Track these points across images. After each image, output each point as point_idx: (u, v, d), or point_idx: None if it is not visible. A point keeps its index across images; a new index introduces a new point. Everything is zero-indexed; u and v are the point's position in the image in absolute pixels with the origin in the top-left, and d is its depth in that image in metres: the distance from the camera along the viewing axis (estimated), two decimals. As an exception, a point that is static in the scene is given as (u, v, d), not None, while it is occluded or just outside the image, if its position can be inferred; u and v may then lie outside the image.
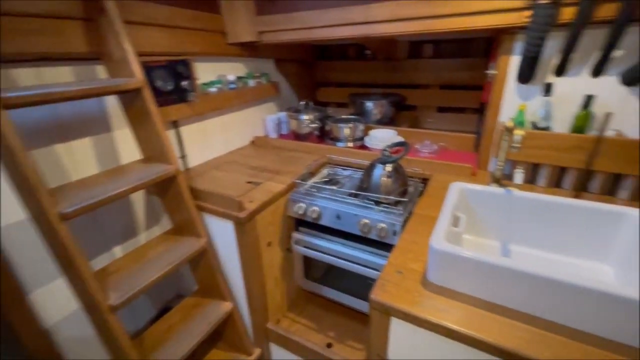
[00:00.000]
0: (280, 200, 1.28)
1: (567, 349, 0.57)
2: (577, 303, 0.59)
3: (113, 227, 1.24)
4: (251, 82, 1.73)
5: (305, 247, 1.29)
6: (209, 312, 1.25)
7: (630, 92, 1.03)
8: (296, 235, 1.31)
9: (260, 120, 1.90)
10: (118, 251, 1.26)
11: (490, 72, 1.24)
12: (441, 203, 1.05)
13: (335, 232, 1.23)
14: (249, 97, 1.71)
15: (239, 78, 1.66)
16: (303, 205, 1.22)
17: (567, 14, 0.96)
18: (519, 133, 0.81)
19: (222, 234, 1.20)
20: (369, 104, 1.86)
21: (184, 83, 1.31)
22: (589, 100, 1.04)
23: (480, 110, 1.67)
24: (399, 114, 2.02)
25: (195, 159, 1.52)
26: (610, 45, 0.95)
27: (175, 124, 1.38)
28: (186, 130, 1.44)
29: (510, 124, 0.93)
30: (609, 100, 1.05)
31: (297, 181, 1.27)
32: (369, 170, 1.18)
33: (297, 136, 1.78)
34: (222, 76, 1.58)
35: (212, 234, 1.24)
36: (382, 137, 1.56)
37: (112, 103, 1.15)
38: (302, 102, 1.78)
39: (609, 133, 1.06)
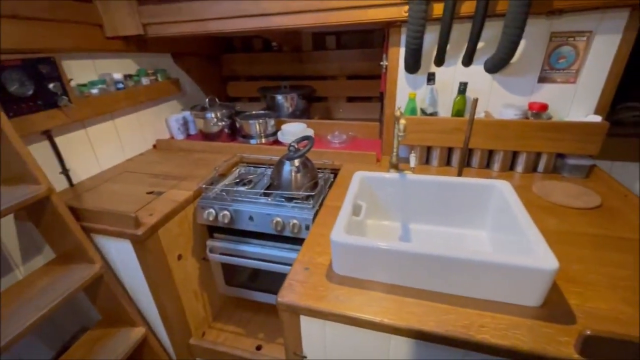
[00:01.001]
0: (188, 209, 1.19)
1: (451, 315, 0.64)
2: (453, 272, 0.66)
3: (-27, 267, 1.01)
4: (144, 80, 1.56)
5: (221, 254, 1.23)
6: (118, 343, 1.12)
7: (492, 78, 1.19)
8: (210, 243, 1.24)
9: (162, 121, 1.73)
10: (-15, 295, 1.04)
11: (384, 63, 1.32)
12: (348, 193, 1.10)
13: (251, 233, 1.19)
14: (144, 97, 1.54)
15: (129, 76, 1.48)
16: (212, 211, 1.16)
17: (438, 9, 1.06)
18: (402, 122, 0.88)
19: (120, 255, 1.07)
20: (280, 98, 1.83)
21: (51, 85, 1.11)
22: (463, 86, 1.18)
23: (381, 99, 1.78)
24: (311, 106, 2.05)
25: (82, 172, 1.32)
26: (475, 38, 1.08)
27: (47, 135, 1.17)
28: (65, 141, 1.23)
29: (397, 113, 0.99)
30: (479, 85, 1.20)
31: (203, 186, 1.19)
32: (277, 167, 1.16)
33: (206, 136, 1.67)
34: (106, 75, 1.38)
35: (109, 257, 1.10)
36: (294, 131, 1.56)
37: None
38: (208, 99, 1.67)
39: (481, 115, 1.21)
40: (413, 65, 1.18)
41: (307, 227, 1.07)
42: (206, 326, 1.40)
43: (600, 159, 1.26)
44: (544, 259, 0.62)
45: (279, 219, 1.08)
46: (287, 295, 0.71)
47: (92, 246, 1.03)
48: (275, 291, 1.30)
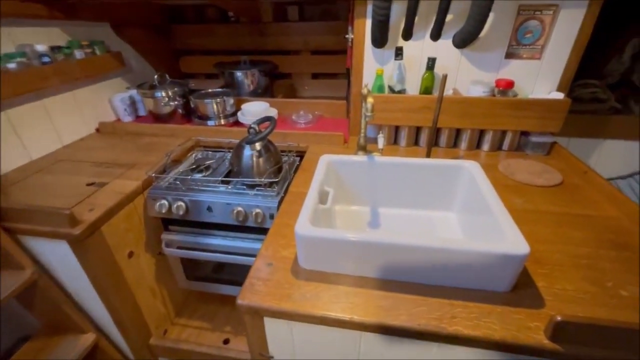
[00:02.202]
0: (137, 200, 1.06)
1: (422, 307, 0.61)
2: (423, 261, 0.63)
3: None
4: (78, 54, 1.35)
5: (179, 248, 1.13)
6: (65, 352, 1.00)
7: (460, 53, 1.14)
8: (166, 237, 1.14)
9: (106, 101, 1.53)
10: None
11: (349, 36, 1.22)
12: (315, 177, 1.03)
13: (212, 224, 1.10)
14: (80, 73, 1.34)
15: (57, 48, 1.27)
16: (165, 202, 1.04)
17: (405, -24, 0.97)
18: (370, 101, 0.81)
19: (57, 258, 0.94)
20: (239, 74, 1.69)
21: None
22: (431, 62, 1.12)
23: (348, 75, 1.70)
24: (274, 83, 1.92)
25: (6, 163, 1.13)
26: (443, 10, 1.02)
27: (-48, 119, 0.97)
28: (-23, 127, 1.04)
29: (364, 91, 0.92)
30: (447, 61, 1.15)
31: (153, 175, 1.07)
32: (237, 151, 1.06)
33: (157, 117, 1.50)
34: (26, 46, 1.17)
35: (44, 260, 0.96)
36: (255, 111, 1.44)
37: None
38: (156, 76, 1.49)
39: (449, 92, 1.18)
40: (380, 38, 1.10)
41: (272, 217, 1.00)
42: (168, 323, 1.31)
43: (558, 136, 1.29)
44: (514, 244, 0.60)
45: (240, 208, 1.00)
46: (248, 296, 0.65)
47: (20, 250, 0.89)
48: (242, 283, 1.24)
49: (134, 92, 1.56)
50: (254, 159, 1.04)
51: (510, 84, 1.11)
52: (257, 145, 1.03)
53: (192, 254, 1.12)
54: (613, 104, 1.44)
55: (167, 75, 1.53)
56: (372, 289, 0.65)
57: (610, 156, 1.45)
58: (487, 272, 0.62)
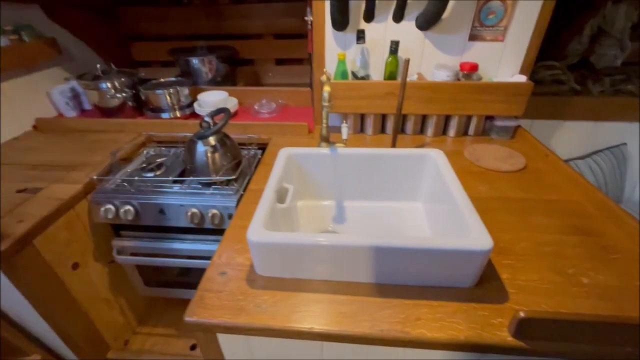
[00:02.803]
0: (79, 206, 0.96)
1: (386, 310, 0.58)
2: (386, 261, 0.59)
3: None
4: (3, 40, 1.18)
5: (132, 254, 1.04)
6: (6, 378, 0.91)
7: (424, 36, 1.10)
8: (117, 243, 1.04)
9: (43, 94, 1.37)
10: None
11: (308, 18, 1.14)
12: (276, 172, 0.96)
13: (168, 227, 1.01)
14: (6, 63, 1.18)
15: (-28, 35, 1.10)
16: (111, 206, 0.94)
17: (363, -49, 0.90)
18: (326, 89, 0.74)
19: (-17, 276, 0.83)
20: (195, 62, 1.56)
21: None
22: (395, 45, 1.07)
23: (310, 61, 1.62)
24: (236, 70, 1.80)
25: None
26: (405, -11, 0.96)
27: None
28: None
29: (323, 78, 0.86)
30: (411, 44, 1.10)
31: (95, 177, 0.96)
32: (189, 148, 0.97)
33: (104, 112, 1.37)
34: None
35: (-31, 279, 0.85)
36: (212, 101, 1.34)
37: None
38: (99, 65, 1.34)
39: (413, 77, 1.13)
40: (340, 20, 1.03)
41: (230, 217, 0.93)
42: (129, 333, 1.23)
43: (522, 119, 1.29)
44: (477, 239, 0.57)
45: (195, 210, 0.92)
46: (198, 311, 0.58)
47: None
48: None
49: (75, 83, 1.41)
50: (209, 154, 0.95)
51: (474, 67, 1.08)
52: (212, 140, 0.95)
53: (147, 261, 1.03)
54: (573, 85, 1.46)
55: (112, 64, 1.38)
56: (334, 293, 0.61)
57: (570, 137, 1.48)
58: (451, 269, 0.59)
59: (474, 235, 0.58)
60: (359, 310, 0.58)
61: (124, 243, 1.04)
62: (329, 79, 0.85)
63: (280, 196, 0.76)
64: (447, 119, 1.19)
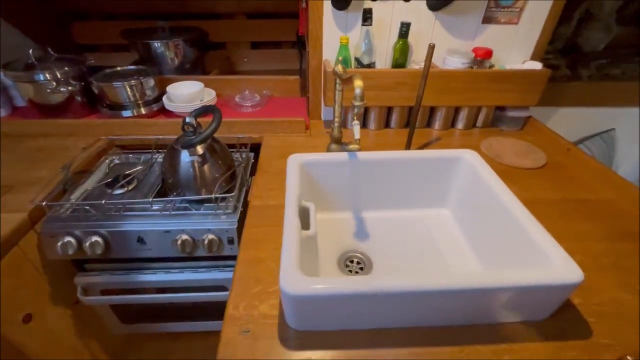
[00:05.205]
0: (26, 241, 0.73)
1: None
2: (454, 302, 0.48)
3: None
4: None
5: (103, 292, 0.84)
6: None
7: (435, 17, 0.97)
8: (81, 280, 0.82)
9: (-45, 90, 1.06)
10: None
11: (303, -6, 0.96)
12: (280, 180, 0.82)
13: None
14: None
15: None
16: (71, 239, 0.73)
17: None
18: (359, 84, 0.59)
19: None
20: (158, 45, 1.31)
21: None
22: (405, 28, 0.93)
23: (299, 43, 1.44)
24: (205, 55, 1.56)
25: None
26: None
27: None
28: None
29: (339, 68, 0.71)
30: (418, 27, 0.98)
31: (45, 203, 0.73)
32: (170, 158, 0.78)
33: (45, 110, 1.09)
34: None
35: None
36: (186, 94, 1.11)
37: None
38: (32, 51, 1.05)
39: (422, 65, 1.01)
40: (345, -3, 0.87)
41: (231, 241, 0.76)
42: (104, 377, 1.03)
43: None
44: (564, 269, 0.48)
45: (185, 236, 0.74)
46: (223, 396, 0.43)
47: None
48: (197, 315, 1.00)
49: (1, 74, 1.10)
50: (196, 166, 0.76)
51: (489, 53, 0.98)
52: (199, 149, 0.76)
53: (124, 299, 0.84)
54: (564, 71, 1.44)
55: (49, 50, 1.10)
56: (395, 346, 0.49)
57: (562, 124, 1.47)
58: (529, 304, 0.50)
59: (557, 265, 0.49)
60: (429, 367, 0.46)
61: (90, 279, 0.83)
62: (344, 69, 0.70)
63: (302, 220, 0.61)
64: (456, 110, 1.09)
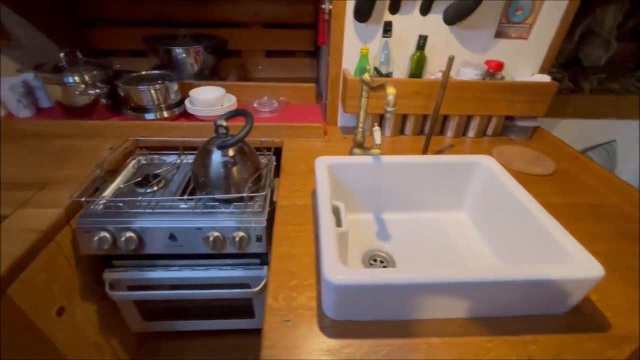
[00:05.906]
0: (61, 236, 0.75)
1: (492, 352, 0.50)
2: (480, 294, 0.52)
3: None
4: None
5: (129, 288, 0.86)
6: None
7: (450, 31, 1.03)
8: (109, 276, 0.85)
9: (-15, 90, 1.09)
10: None
11: (326, 6, 1.02)
12: (304, 181, 0.85)
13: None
14: None
15: None
16: (106, 234, 0.76)
17: None
18: (391, 92, 0.64)
19: None
20: (179, 52, 1.35)
21: None
22: (423, 40, 0.99)
23: (315, 53, 1.49)
24: (221, 62, 1.61)
25: None
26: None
27: None
28: None
29: (366, 77, 0.75)
30: (434, 40, 1.03)
31: (84, 199, 0.76)
32: (202, 158, 0.81)
33: (71, 111, 1.12)
34: None
35: None
36: (208, 99, 1.15)
37: None
38: (62, 54, 1.09)
39: (437, 75, 1.06)
40: (368, 10, 0.93)
41: (259, 239, 0.79)
42: (122, 375, 1.04)
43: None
44: (585, 265, 0.52)
45: (216, 233, 0.77)
46: (272, 379, 0.46)
47: None
48: (216, 314, 1.02)
49: (29, 76, 1.14)
50: (229, 167, 0.80)
51: (500, 66, 1.04)
52: (231, 150, 0.80)
53: (151, 295, 0.86)
54: (567, 84, 1.50)
55: (78, 53, 1.14)
56: (426, 335, 0.52)
57: (565, 135, 1.52)
58: (552, 297, 0.54)
59: (578, 261, 0.53)
60: (463, 354, 0.50)
61: (118, 275, 0.85)
62: (371, 76, 0.75)
63: (335, 218, 0.65)
64: (468, 119, 1.14)
